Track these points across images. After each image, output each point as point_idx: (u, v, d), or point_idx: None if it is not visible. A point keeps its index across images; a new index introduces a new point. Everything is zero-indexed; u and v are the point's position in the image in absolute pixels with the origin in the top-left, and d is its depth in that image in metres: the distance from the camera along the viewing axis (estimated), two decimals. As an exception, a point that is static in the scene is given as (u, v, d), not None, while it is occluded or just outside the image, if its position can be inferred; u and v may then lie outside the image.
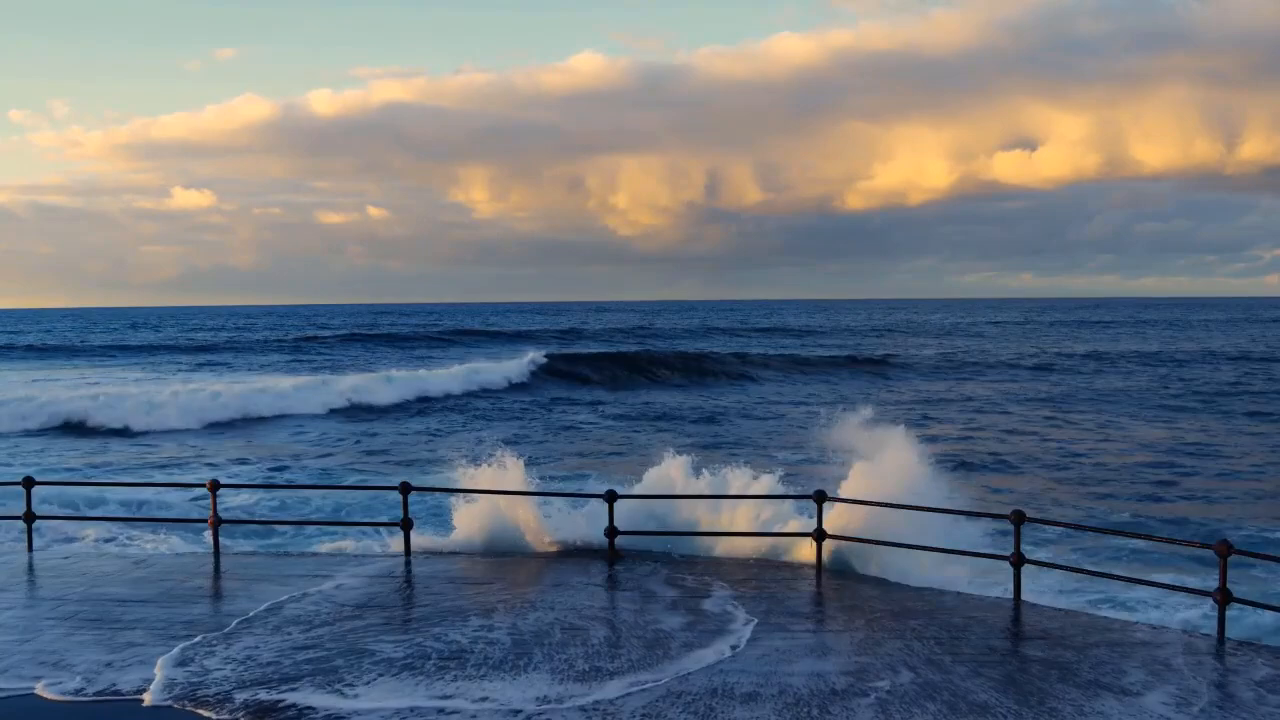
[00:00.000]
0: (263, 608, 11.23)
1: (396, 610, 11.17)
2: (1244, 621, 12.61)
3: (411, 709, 8.28)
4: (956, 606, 11.23)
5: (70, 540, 17.11)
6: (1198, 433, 33.45)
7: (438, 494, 17.62)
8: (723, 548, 13.90)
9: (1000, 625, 10.55)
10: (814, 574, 12.68)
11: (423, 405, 43.51)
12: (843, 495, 13.41)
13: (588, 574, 12.70)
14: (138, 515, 19.18)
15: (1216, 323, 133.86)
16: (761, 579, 12.35)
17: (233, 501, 20.71)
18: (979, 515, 15.78)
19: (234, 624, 10.64)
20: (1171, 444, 30.91)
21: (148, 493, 21.85)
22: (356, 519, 17.42)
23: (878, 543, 14.37)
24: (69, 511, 18.78)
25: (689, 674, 9.02)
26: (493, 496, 14.36)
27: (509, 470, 14.72)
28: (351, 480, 25.39)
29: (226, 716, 8.23)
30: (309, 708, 8.34)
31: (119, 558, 14.27)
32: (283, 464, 28.52)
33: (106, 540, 17.36)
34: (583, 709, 8.24)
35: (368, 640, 10.06)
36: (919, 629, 10.26)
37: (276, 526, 18.09)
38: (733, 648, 9.70)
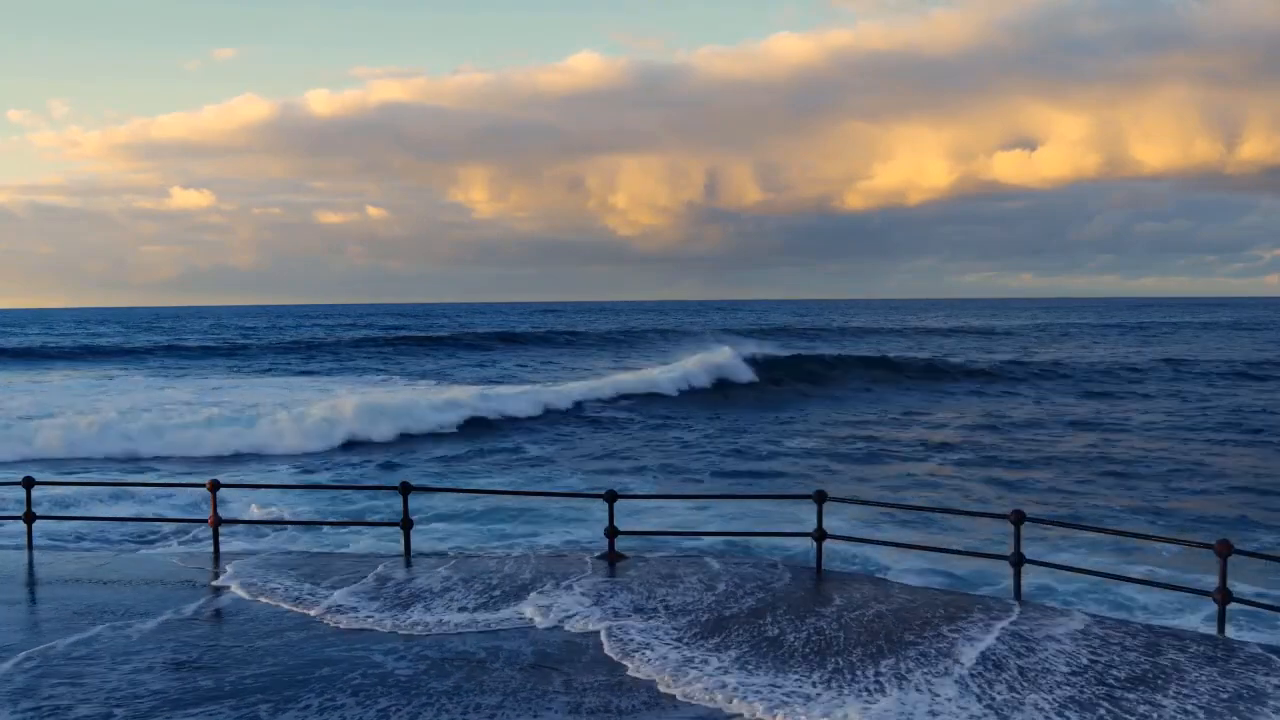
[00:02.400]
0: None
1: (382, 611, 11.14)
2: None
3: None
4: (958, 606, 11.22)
5: (60, 542, 17.11)
6: None
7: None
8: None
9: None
10: (814, 575, 12.66)
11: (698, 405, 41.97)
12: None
13: (593, 575, 12.67)
14: (140, 516, 19.16)
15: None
16: (763, 580, 12.34)
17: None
18: (979, 515, 15.83)
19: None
20: None
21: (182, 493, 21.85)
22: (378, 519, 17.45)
23: (878, 542, 14.40)
24: (76, 512, 18.83)
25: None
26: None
27: None
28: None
29: None
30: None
31: (93, 559, 14.18)
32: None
33: (96, 540, 17.35)
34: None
35: (313, 653, 9.81)
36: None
37: (286, 527, 18.10)
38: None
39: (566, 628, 10.40)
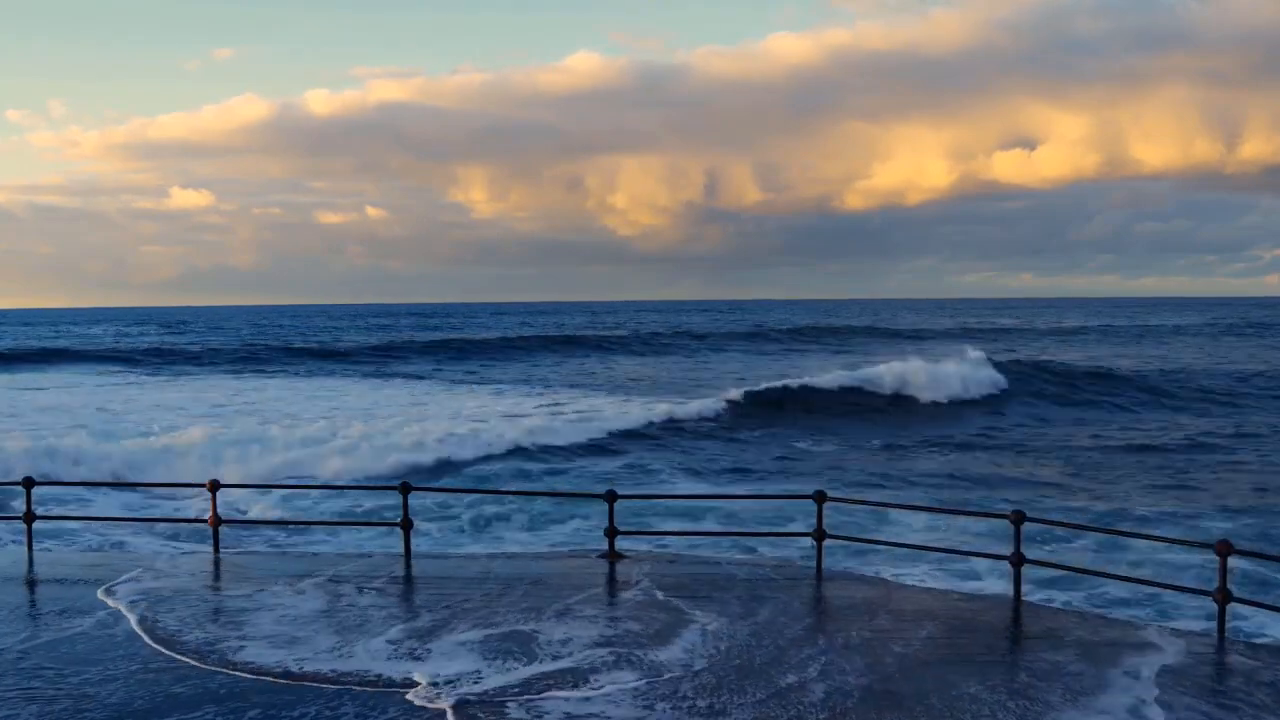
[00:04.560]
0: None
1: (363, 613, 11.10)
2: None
3: None
4: (960, 605, 11.24)
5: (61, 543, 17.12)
6: None
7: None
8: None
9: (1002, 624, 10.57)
10: (813, 575, 12.67)
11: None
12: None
13: (594, 576, 12.67)
14: (139, 516, 19.19)
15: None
16: (761, 580, 12.34)
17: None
18: (979, 515, 15.85)
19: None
20: None
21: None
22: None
23: (878, 542, 14.42)
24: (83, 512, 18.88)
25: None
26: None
27: None
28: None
29: None
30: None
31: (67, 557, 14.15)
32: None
33: (92, 540, 17.38)
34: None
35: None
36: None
37: (287, 526, 18.12)
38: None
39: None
